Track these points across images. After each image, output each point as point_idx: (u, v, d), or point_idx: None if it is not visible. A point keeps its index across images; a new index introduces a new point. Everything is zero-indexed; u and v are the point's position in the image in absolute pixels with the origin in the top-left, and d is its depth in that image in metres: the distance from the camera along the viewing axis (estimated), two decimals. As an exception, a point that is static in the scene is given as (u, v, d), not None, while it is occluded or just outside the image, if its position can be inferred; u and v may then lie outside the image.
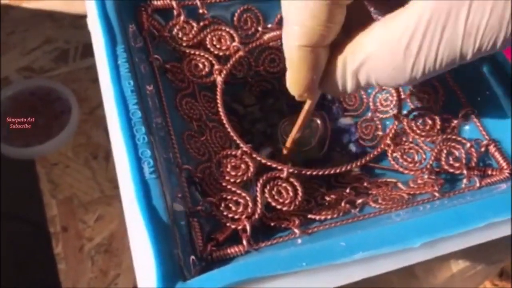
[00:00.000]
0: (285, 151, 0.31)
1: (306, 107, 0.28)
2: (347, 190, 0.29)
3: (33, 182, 0.50)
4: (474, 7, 0.19)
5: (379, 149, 0.28)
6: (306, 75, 0.23)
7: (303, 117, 0.28)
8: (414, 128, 0.29)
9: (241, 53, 0.31)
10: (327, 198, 0.28)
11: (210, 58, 0.30)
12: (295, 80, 0.24)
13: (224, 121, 0.28)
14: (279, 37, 0.32)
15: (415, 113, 0.30)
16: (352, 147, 0.33)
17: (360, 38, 0.22)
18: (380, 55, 0.21)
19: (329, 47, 0.23)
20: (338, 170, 0.27)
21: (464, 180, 0.27)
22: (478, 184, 0.26)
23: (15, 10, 0.62)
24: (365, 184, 0.30)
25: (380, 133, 0.32)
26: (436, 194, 0.26)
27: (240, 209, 0.25)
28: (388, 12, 0.21)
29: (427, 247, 0.23)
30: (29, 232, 0.48)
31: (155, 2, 0.31)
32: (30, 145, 0.51)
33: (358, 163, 0.28)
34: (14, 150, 0.51)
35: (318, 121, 0.32)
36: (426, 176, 0.28)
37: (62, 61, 0.56)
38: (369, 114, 0.33)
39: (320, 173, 0.27)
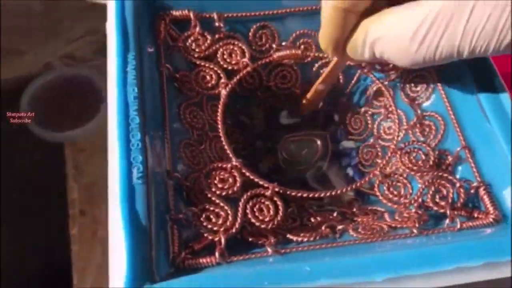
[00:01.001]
0: (304, 101, 0.33)
1: (332, 64, 0.31)
2: (334, 214, 0.30)
3: (60, 165, 0.53)
4: (474, 12, 0.22)
5: (367, 178, 0.29)
6: (333, 33, 0.27)
7: (328, 72, 0.31)
8: (407, 161, 0.29)
9: (249, 69, 0.32)
10: (313, 220, 0.29)
11: (219, 71, 0.31)
12: (323, 35, 0.28)
13: (221, 134, 0.29)
14: (290, 57, 0.33)
15: (411, 146, 0.30)
16: (350, 171, 0.33)
17: (383, 15, 0.25)
18: (392, 35, 0.25)
19: (361, 14, 0.26)
20: (322, 194, 0.28)
21: (447, 220, 0.27)
22: (458, 226, 0.26)
23: (65, 0, 0.65)
24: (354, 209, 0.30)
25: (379, 160, 0.33)
26: (414, 230, 0.26)
27: (220, 222, 0.26)
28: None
29: (391, 283, 0.23)
30: (50, 212, 0.51)
31: (173, 12, 0.32)
32: (61, 130, 0.54)
33: (344, 190, 0.28)
34: (46, 132, 0.54)
35: (319, 142, 0.33)
36: (413, 210, 0.28)
37: (101, 53, 0.59)
38: (371, 140, 0.34)
39: (305, 195, 0.28)
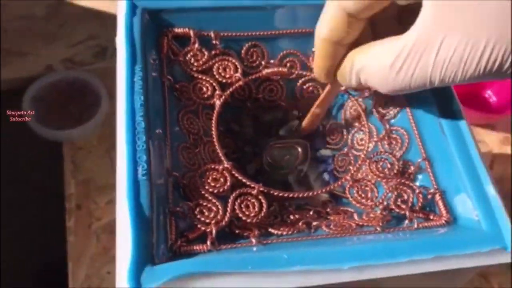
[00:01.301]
0: (303, 124, 0.37)
1: (327, 88, 0.35)
2: (311, 213, 0.34)
3: (58, 162, 0.56)
4: (443, 46, 0.25)
5: (339, 182, 0.33)
6: (324, 62, 0.31)
7: (322, 97, 0.35)
8: (375, 169, 0.33)
9: (241, 83, 0.36)
10: (291, 217, 0.33)
11: (214, 84, 0.35)
12: (316, 64, 0.31)
13: (214, 140, 0.33)
14: (277, 73, 0.37)
15: (379, 156, 0.34)
16: (326, 176, 0.38)
17: (367, 47, 0.29)
18: (374, 65, 0.28)
19: (348, 46, 0.30)
20: (301, 195, 0.32)
21: (406, 221, 0.31)
22: (415, 226, 0.31)
23: (68, 5, 0.69)
24: (328, 209, 0.35)
25: (351, 167, 0.37)
26: (378, 228, 0.30)
27: (211, 215, 0.30)
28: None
29: (355, 271, 0.27)
30: (49, 205, 0.54)
31: (175, 29, 0.36)
32: (61, 129, 0.57)
33: (319, 191, 0.32)
34: (46, 131, 0.57)
35: (299, 149, 0.37)
36: (378, 211, 0.32)
37: (100, 57, 0.62)
38: (346, 150, 0.38)
39: (286, 195, 0.32)
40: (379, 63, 0.28)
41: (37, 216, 0.52)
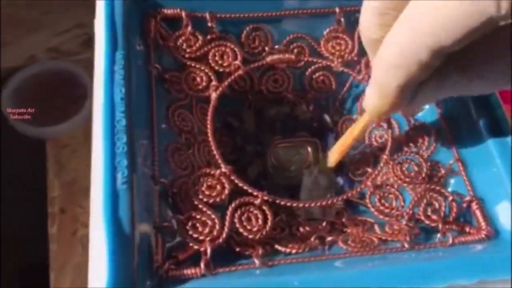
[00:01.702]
0: (330, 161, 0.31)
1: (362, 123, 0.28)
2: (323, 224, 0.29)
3: (41, 161, 0.51)
4: None
5: (358, 189, 0.28)
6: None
7: (362, 128, 0.28)
8: (399, 173, 0.28)
9: (240, 72, 0.31)
10: (301, 229, 0.28)
11: (210, 73, 0.30)
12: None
13: (210, 139, 0.28)
14: (283, 61, 0.32)
15: (404, 157, 0.29)
16: (340, 180, 0.33)
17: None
18: None
19: None
20: (313, 204, 0.27)
21: (438, 235, 0.26)
22: (450, 241, 0.26)
23: (54, -9, 0.63)
24: (344, 220, 0.30)
25: (370, 170, 0.32)
26: (406, 244, 0.25)
27: (206, 231, 0.25)
28: None
29: (382, 300, 0.22)
30: (29, 209, 0.49)
31: (165, 11, 0.31)
32: (45, 125, 0.53)
33: (335, 200, 0.27)
34: (28, 128, 0.52)
35: (309, 149, 0.32)
36: (404, 222, 0.27)
37: (88, 46, 0.57)
38: (362, 148, 0.33)
39: (294, 204, 0.27)
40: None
41: (16, 221, 0.48)
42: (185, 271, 0.23)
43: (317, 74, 0.34)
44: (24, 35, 0.59)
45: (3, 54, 0.58)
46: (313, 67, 0.33)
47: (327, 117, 0.35)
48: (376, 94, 0.24)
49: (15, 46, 0.58)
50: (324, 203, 0.28)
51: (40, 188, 0.50)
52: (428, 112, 0.31)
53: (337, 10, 0.32)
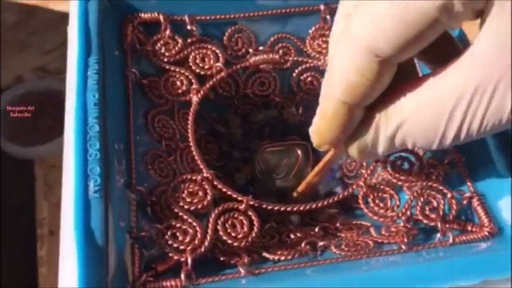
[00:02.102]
0: (295, 195, 0.29)
1: (327, 157, 0.26)
2: (316, 229, 0.27)
3: (29, 182, 0.50)
4: None
5: (350, 190, 0.26)
6: (335, 131, 0.22)
7: (323, 164, 0.27)
8: (393, 171, 0.27)
9: (223, 74, 0.29)
10: (292, 236, 0.27)
11: (190, 77, 0.29)
12: (321, 131, 0.22)
13: (191, 143, 0.27)
14: (267, 61, 0.31)
15: (398, 155, 0.27)
16: (333, 183, 0.31)
17: (397, 100, 0.20)
18: (420, 118, 0.19)
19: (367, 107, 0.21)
20: (302, 208, 0.25)
21: (438, 234, 0.24)
22: (451, 240, 0.24)
23: (41, 11, 0.63)
24: (337, 224, 0.28)
25: (364, 171, 0.30)
26: (403, 246, 0.24)
27: (187, 240, 0.23)
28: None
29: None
30: (18, 231, 0.48)
31: (142, 15, 0.30)
32: (32, 145, 0.51)
33: (326, 202, 0.26)
34: (15, 148, 0.51)
35: (299, 152, 0.31)
36: (401, 224, 0.26)
37: (76, 64, 0.56)
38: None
39: (282, 208, 0.25)
40: (428, 114, 0.19)
41: (4, 244, 0.46)
42: (164, 283, 0.22)
43: (305, 75, 0.32)
44: (10, 56, 0.58)
45: (-11, 76, 0.57)
46: (300, 68, 0.32)
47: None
48: (318, 113, 0.22)
49: (1, 67, 0.57)
50: (314, 205, 0.26)
51: (29, 209, 0.48)
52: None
53: (322, 7, 0.31)
